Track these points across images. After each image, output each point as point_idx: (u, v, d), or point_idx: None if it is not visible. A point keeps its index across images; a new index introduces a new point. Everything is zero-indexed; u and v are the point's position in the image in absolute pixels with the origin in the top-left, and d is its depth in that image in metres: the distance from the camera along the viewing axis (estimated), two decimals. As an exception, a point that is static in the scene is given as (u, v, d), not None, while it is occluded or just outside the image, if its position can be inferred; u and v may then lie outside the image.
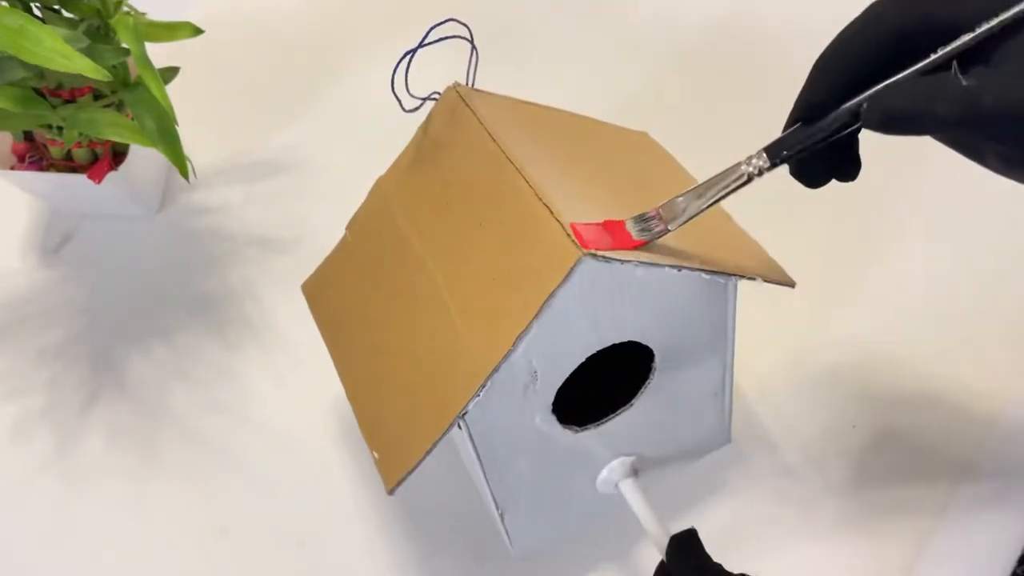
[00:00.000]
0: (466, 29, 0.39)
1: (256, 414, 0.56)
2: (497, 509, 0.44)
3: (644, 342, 0.42)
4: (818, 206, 0.53)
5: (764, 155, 0.35)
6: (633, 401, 0.44)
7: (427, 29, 0.38)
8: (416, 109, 0.42)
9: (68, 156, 0.58)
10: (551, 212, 0.36)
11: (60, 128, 0.54)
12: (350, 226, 0.46)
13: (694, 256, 0.38)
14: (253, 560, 0.51)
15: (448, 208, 0.41)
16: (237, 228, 0.64)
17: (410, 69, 0.38)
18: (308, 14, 0.74)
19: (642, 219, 0.37)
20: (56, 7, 0.51)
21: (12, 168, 0.59)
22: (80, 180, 0.57)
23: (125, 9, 0.52)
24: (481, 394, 0.36)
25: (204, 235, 0.63)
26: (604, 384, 0.42)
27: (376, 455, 0.40)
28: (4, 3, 0.47)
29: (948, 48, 0.32)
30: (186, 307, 0.60)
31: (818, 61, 0.35)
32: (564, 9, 0.73)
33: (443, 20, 0.38)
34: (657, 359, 0.43)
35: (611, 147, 0.47)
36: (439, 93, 0.42)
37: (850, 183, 0.37)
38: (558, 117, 0.47)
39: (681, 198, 0.36)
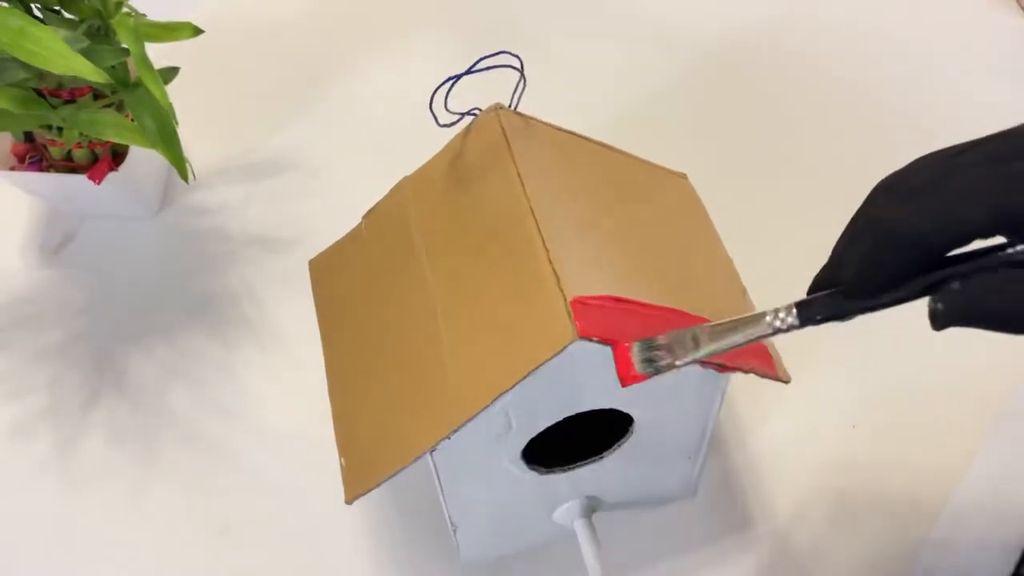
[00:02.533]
0: (517, 59, 0.39)
1: (256, 414, 0.56)
2: (451, 524, 0.45)
3: (625, 410, 0.42)
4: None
5: (795, 312, 0.31)
6: (604, 455, 0.44)
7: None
8: (452, 124, 0.41)
9: (68, 157, 0.58)
10: (558, 281, 0.35)
11: (60, 128, 0.54)
12: (367, 216, 0.46)
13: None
14: (253, 560, 0.51)
15: (462, 235, 0.41)
16: (237, 228, 0.64)
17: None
18: (309, 14, 0.74)
19: (649, 347, 0.34)
20: (56, 8, 0.51)
21: (12, 169, 0.59)
22: (80, 180, 0.57)
23: (125, 10, 0.52)
24: (452, 437, 0.37)
25: (204, 235, 0.63)
26: (576, 429, 0.42)
27: (343, 461, 0.41)
28: (4, 4, 0.47)
29: None
30: (186, 307, 0.60)
31: (884, 236, 0.29)
32: (579, 10, 0.73)
33: (496, 52, 0.38)
34: (635, 423, 0.43)
35: (646, 197, 0.46)
36: (479, 110, 0.41)
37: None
38: (597, 154, 0.45)
39: (696, 331, 0.33)
